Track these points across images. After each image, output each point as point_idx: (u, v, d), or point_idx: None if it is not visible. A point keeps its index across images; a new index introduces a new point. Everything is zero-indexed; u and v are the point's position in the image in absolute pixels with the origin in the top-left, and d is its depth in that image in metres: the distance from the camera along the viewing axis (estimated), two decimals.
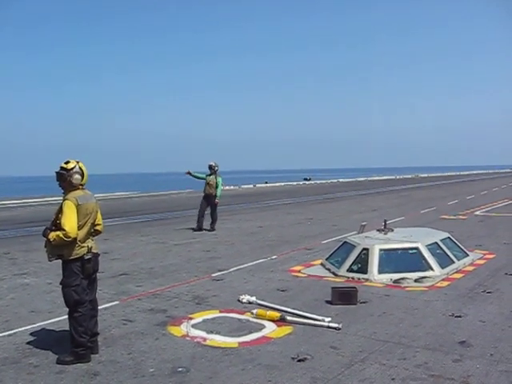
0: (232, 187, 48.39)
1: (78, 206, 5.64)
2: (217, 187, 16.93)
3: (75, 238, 5.59)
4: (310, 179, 69.54)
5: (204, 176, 17.21)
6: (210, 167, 17.19)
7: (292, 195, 35.39)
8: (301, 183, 59.86)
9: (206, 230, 16.71)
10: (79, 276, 5.70)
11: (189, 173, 17.30)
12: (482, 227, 16.47)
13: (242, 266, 10.67)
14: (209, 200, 17.03)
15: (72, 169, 5.76)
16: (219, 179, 17.03)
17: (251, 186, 50.72)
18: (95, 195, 6.18)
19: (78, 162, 5.82)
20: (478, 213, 21.05)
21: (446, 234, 11.13)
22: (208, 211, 17.05)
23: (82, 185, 5.84)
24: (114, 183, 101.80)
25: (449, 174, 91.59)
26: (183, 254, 12.38)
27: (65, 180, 5.77)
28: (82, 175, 5.81)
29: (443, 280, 9.08)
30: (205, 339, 6.29)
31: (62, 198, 5.81)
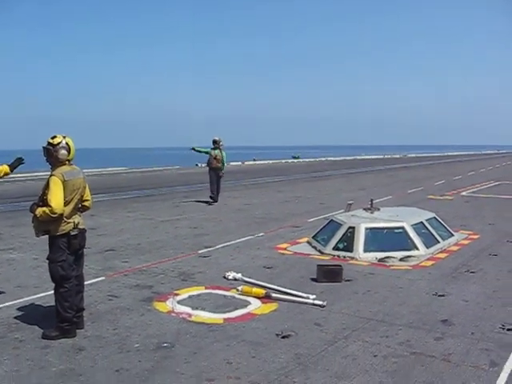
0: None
1: (64, 182, 5.61)
2: (222, 161, 17.87)
3: (61, 214, 5.58)
4: (298, 157, 69.49)
5: (208, 150, 17.97)
6: (215, 142, 17.96)
7: (280, 173, 35.40)
8: (289, 161, 59.85)
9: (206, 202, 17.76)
10: (65, 252, 5.69)
11: (193, 149, 18.20)
12: (468, 208, 16.60)
13: (228, 243, 10.70)
14: (216, 173, 17.83)
15: (58, 144, 5.71)
16: (224, 153, 17.99)
17: (239, 163, 50.63)
18: (84, 170, 6.16)
19: (64, 137, 5.77)
20: (464, 193, 21.18)
21: (432, 214, 11.22)
22: None
23: (68, 160, 5.79)
24: (103, 158, 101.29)
25: (437, 154, 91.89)
26: (170, 231, 12.39)
27: (51, 155, 5.73)
28: (69, 150, 5.75)
29: (428, 259, 9.17)
30: (190, 315, 6.34)
31: (49, 173, 5.79)
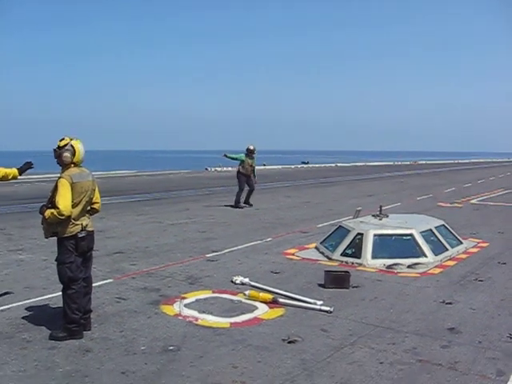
0: (230, 168, 48.43)
1: (72, 184, 5.65)
2: (254, 169, 18.66)
3: (69, 216, 5.62)
4: (308, 162, 69.45)
5: (242, 157, 18.46)
6: (251, 151, 18.37)
7: (289, 178, 35.40)
8: (299, 166, 59.80)
9: (238, 207, 17.95)
10: (73, 253, 5.73)
11: (225, 155, 18.81)
12: (478, 216, 16.52)
13: (236, 248, 10.71)
14: (248, 179, 18.38)
15: (64, 146, 5.76)
16: (255, 162, 18.82)
17: None
18: (94, 173, 6.19)
19: (71, 140, 5.81)
20: (474, 201, 21.09)
21: (441, 222, 11.18)
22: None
23: (73, 163, 5.81)
24: (112, 160, 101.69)
25: (447, 161, 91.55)
26: (179, 234, 12.42)
27: (58, 157, 5.80)
28: (74, 153, 5.79)
29: (436, 267, 9.14)
30: (197, 319, 6.35)
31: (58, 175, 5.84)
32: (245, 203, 18.20)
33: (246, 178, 18.31)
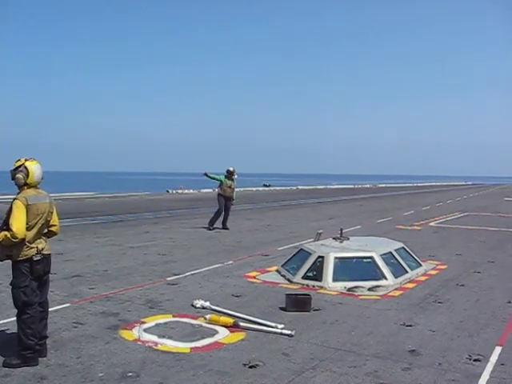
0: (192, 191, 48.21)
1: (27, 206, 5.52)
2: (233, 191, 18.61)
3: (23, 239, 5.48)
4: (269, 185, 69.69)
5: (221, 178, 18.42)
6: (231, 172, 18.37)
7: (251, 201, 35.41)
8: (260, 189, 59.94)
9: (217, 228, 17.98)
10: (28, 277, 5.58)
11: (205, 174, 18.54)
12: (436, 238, 16.77)
13: (197, 271, 10.61)
14: (227, 201, 18.39)
15: (18, 168, 5.66)
16: (234, 183, 18.72)
17: (210, 190, 50.52)
18: (53, 194, 6.06)
19: (26, 161, 5.70)
20: (432, 224, 21.42)
21: (401, 244, 11.30)
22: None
23: (27, 184, 5.69)
24: (70, 182, 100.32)
25: (406, 184, 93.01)
26: (139, 257, 12.24)
27: (13, 179, 5.69)
28: (28, 175, 5.66)
29: (396, 289, 9.21)
30: (156, 344, 6.24)
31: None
32: (223, 227, 18.06)
33: (224, 200, 18.27)
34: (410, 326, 7.17)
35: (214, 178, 18.64)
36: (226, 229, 18.05)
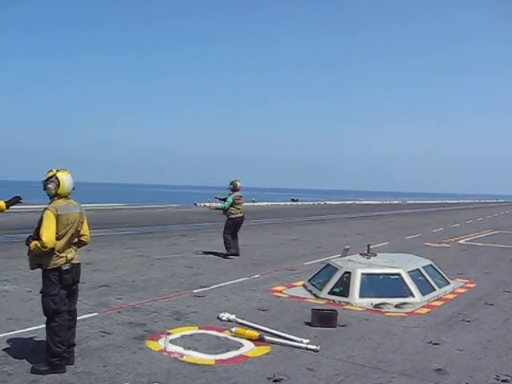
0: (219, 204, 48.31)
1: (57, 216, 5.63)
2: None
3: (53, 248, 5.59)
4: (297, 200, 69.64)
5: (230, 198, 14.94)
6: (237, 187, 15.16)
7: (278, 215, 35.41)
8: (288, 203, 59.90)
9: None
10: (57, 286, 5.68)
11: (216, 197, 15.72)
12: (465, 256, 16.57)
13: (224, 284, 10.65)
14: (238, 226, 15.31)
15: (49, 178, 5.78)
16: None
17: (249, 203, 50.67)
18: (84, 205, 6.17)
19: (57, 171, 5.81)
20: (461, 241, 21.17)
21: (429, 262, 11.19)
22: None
23: (58, 194, 5.80)
24: (99, 193, 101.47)
25: (435, 201, 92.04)
26: (166, 269, 12.33)
27: (44, 189, 5.80)
28: (58, 185, 5.77)
29: (423, 307, 9.12)
30: (182, 355, 6.27)
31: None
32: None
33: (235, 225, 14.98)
34: (437, 344, 7.09)
35: (223, 199, 15.18)
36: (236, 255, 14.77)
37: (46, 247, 5.54)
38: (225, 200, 15.06)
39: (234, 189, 15.14)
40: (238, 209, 14.93)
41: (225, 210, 14.99)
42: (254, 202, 58.43)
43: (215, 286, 10.38)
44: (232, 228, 14.99)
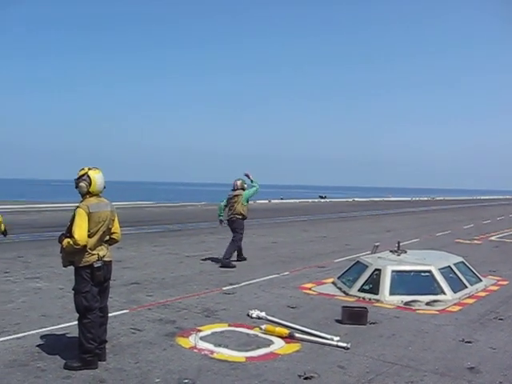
0: (251, 202, 48.32)
1: (89, 214, 5.69)
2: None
3: (85, 246, 5.65)
4: (325, 197, 69.43)
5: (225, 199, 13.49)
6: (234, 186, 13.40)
7: (307, 212, 35.32)
8: (316, 200, 59.74)
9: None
10: (89, 283, 5.74)
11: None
12: (497, 253, 16.32)
13: (253, 281, 10.66)
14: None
15: (81, 176, 5.84)
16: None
17: (266, 201, 50.68)
18: (114, 203, 6.23)
19: (89, 170, 5.88)
20: (493, 238, 20.86)
21: (460, 258, 11.05)
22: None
23: (90, 192, 5.87)
24: (129, 191, 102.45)
25: (465, 197, 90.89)
26: (195, 266, 12.39)
27: (76, 187, 5.87)
28: (90, 183, 5.83)
29: (455, 304, 9.00)
30: (212, 352, 6.29)
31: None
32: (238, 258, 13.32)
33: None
34: (470, 342, 6.99)
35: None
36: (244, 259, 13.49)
37: (79, 245, 5.60)
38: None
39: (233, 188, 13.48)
40: (230, 209, 13.15)
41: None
42: (282, 199, 58.44)
43: (244, 284, 10.39)
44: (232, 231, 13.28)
